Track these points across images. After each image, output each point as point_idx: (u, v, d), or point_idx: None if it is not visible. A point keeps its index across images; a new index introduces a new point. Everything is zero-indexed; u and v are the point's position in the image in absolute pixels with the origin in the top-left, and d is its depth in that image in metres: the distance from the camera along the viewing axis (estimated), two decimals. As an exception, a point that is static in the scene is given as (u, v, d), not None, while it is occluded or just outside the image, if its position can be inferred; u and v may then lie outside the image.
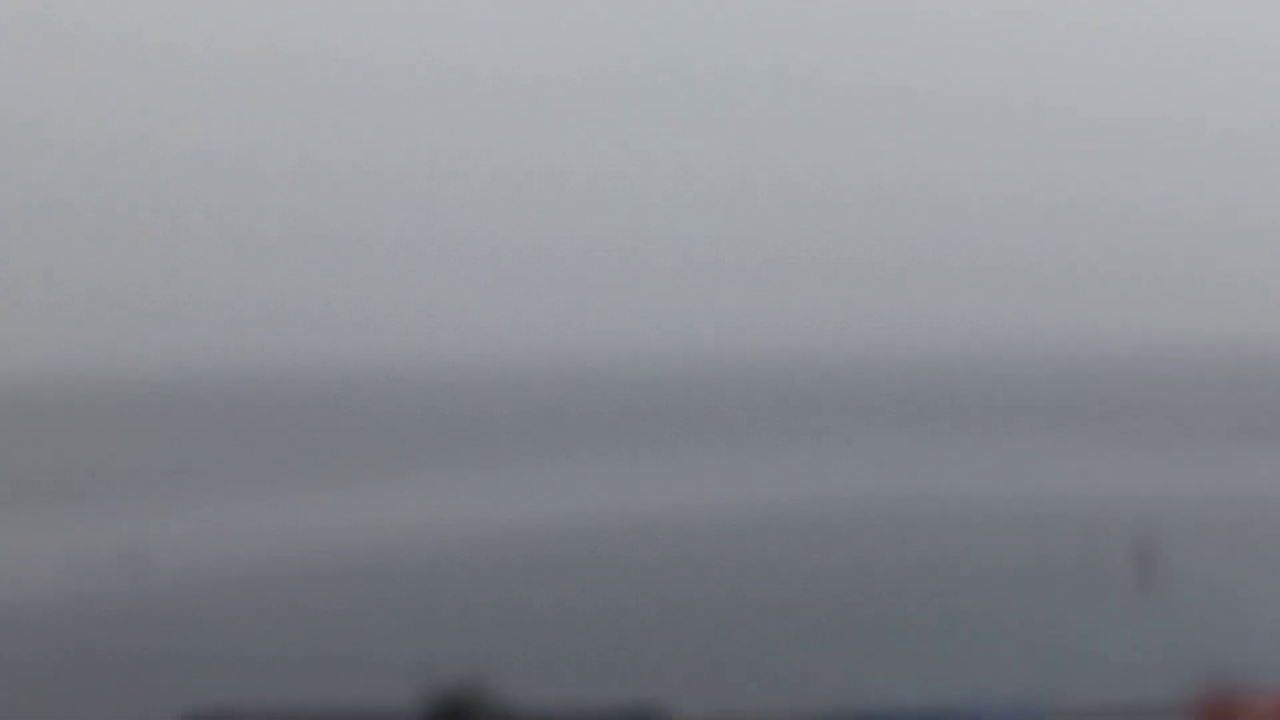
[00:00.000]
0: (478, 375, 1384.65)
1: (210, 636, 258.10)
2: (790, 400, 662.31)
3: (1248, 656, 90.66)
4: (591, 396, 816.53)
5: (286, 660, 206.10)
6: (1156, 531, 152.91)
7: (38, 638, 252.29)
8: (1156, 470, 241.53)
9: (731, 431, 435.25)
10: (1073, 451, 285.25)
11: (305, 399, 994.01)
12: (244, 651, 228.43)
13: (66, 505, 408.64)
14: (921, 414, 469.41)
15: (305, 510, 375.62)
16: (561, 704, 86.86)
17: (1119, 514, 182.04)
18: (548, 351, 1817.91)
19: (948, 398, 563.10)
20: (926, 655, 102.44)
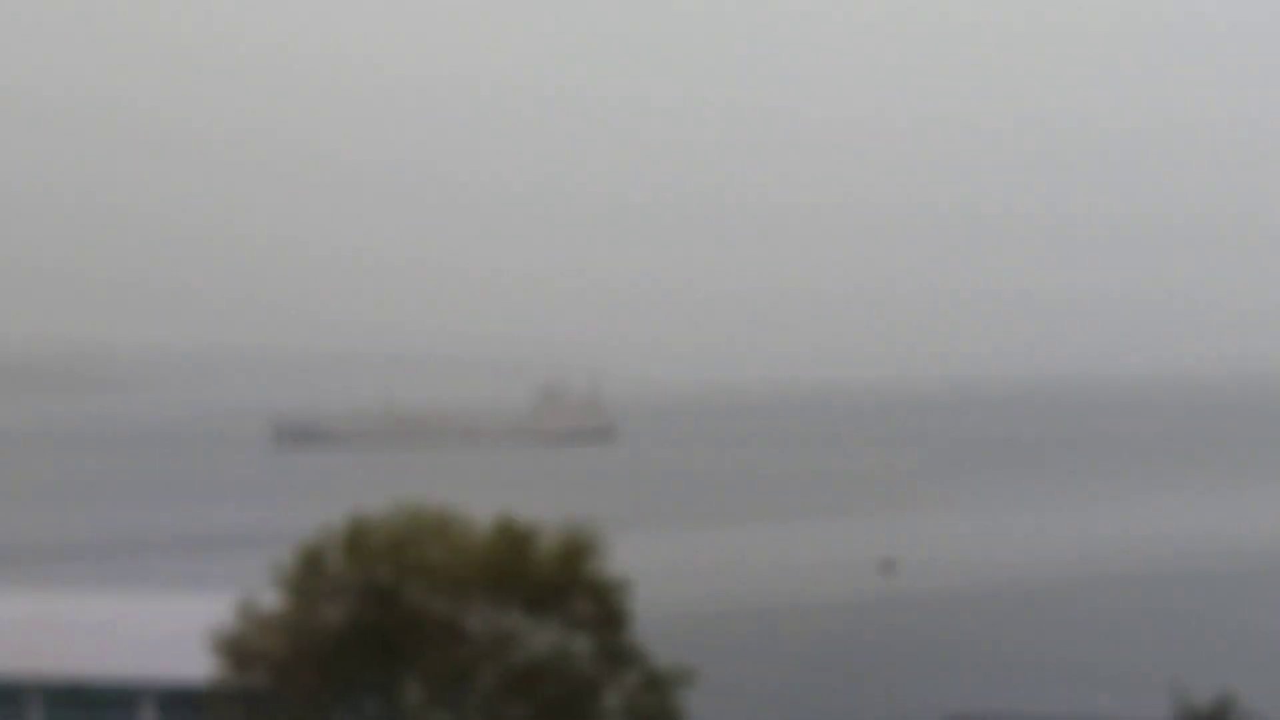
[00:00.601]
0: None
1: (958, 641, 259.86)
2: None
3: None
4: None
5: (1033, 667, 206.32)
6: None
7: (801, 637, 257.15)
8: None
9: None
10: None
11: (1050, 410, 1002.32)
12: (991, 657, 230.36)
13: (825, 510, 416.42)
14: None
15: (1048, 521, 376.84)
16: None
17: None
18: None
19: None
20: None
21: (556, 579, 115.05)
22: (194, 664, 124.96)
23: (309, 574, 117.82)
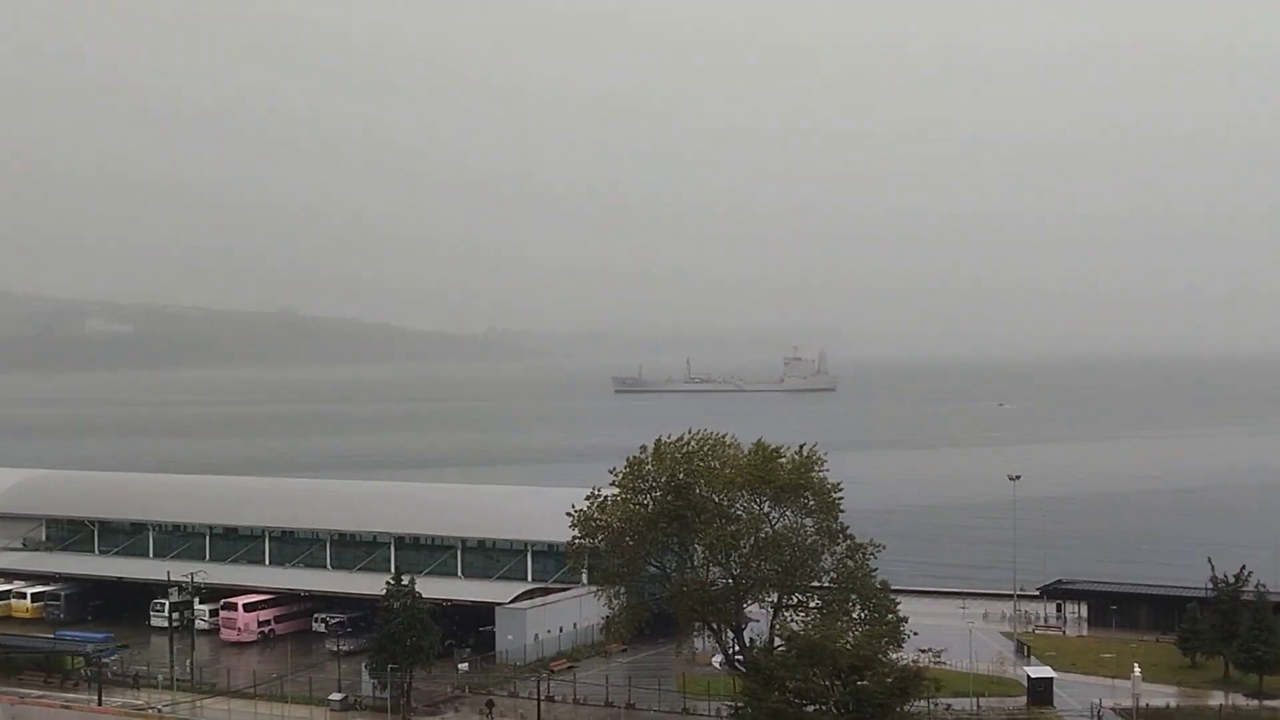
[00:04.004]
0: None
1: (1063, 530, 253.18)
2: None
3: None
4: None
5: (1115, 549, 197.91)
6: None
7: (954, 524, 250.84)
8: None
9: None
10: None
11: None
12: (1085, 541, 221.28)
13: (973, 442, 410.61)
14: None
15: (1132, 448, 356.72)
16: None
17: None
18: None
19: None
20: None
21: (793, 481, 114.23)
22: (559, 531, 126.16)
23: (633, 475, 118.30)
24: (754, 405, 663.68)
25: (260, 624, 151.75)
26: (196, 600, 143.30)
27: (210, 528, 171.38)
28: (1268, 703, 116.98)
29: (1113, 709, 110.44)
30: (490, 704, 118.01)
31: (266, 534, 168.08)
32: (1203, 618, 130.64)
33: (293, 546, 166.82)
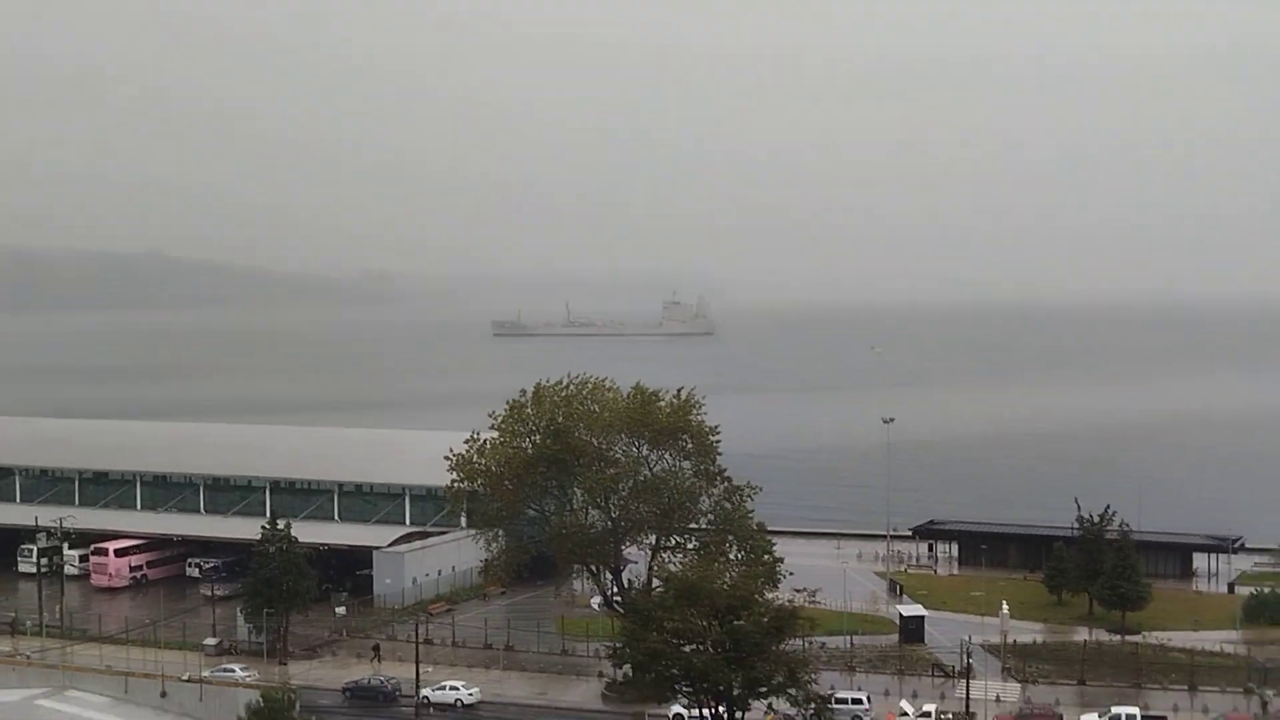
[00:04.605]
0: None
1: (935, 471, 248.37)
2: None
3: None
4: None
5: (988, 490, 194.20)
6: None
7: (830, 466, 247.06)
8: None
9: None
10: None
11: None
12: (959, 482, 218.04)
13: (849, 387, 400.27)
14: None
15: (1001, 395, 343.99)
16: None
17: None
18: None
19: None
20: None
21: (672, 424, 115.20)
22: (437, 475, 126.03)
23: (512, 419, 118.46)
24: (633, 349, 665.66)
25: (132, 569, 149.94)
26: (66, 545, 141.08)
27: (79, 472, 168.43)
28: (1129, 637, 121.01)
29: (981, 646, 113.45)
30: (377, 648, 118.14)
31: (138, 479, 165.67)
32: (1068, 557, 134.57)
33: (165, 491, 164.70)
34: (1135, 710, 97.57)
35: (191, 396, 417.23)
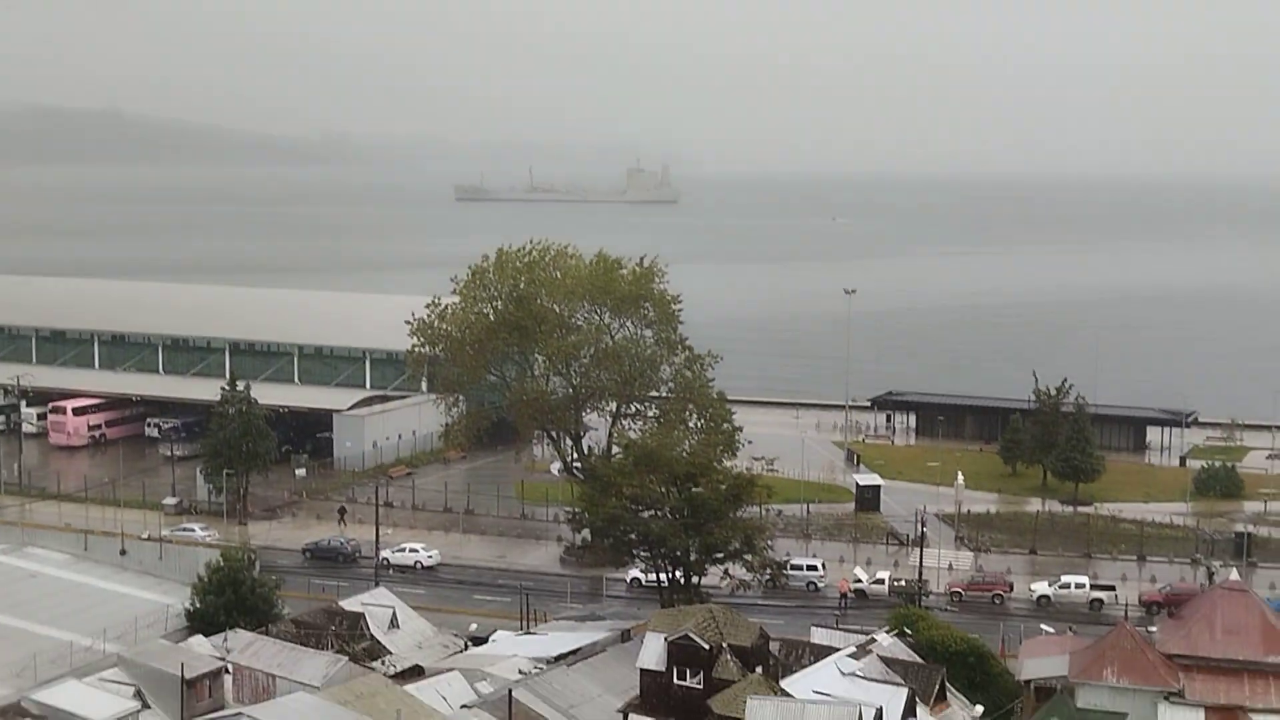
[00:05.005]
0: None
1: (896, 341, 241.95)
2: None
3: None
4: None
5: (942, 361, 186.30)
6: None
7: (791, 336, 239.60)
8: None
9: None
10: None
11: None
12: (917, 352, 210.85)
13: (812, 257, 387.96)
14: None
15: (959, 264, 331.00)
16: None
17: None
18: None
19: None
20: None
21: (634, 292, 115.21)
22: (398, 340, 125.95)
23: (474, 284, 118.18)
24: (596, 216, 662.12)
25: (91, 428, 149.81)
26: (23, 403, 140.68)
27: (36, 330, 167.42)
28: (1081, 508, 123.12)
29: (936, 515, 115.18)
30: (343, 511, 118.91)
31: (95, 338, 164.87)
32: (1024, 428, 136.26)
33: (123, 351, 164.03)
34: (1084, 579, 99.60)
35: (148, 255, 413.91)
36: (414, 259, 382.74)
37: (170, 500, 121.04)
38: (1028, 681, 72.02)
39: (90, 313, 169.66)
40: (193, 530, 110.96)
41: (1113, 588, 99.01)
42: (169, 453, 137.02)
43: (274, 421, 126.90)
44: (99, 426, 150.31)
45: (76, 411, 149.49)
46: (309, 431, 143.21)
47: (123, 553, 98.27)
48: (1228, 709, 63.48)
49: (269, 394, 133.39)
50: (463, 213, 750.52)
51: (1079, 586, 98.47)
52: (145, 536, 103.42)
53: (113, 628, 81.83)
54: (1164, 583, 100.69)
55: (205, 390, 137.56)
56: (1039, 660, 73.18)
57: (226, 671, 69.14)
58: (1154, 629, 73.79)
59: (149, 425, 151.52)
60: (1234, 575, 76.13)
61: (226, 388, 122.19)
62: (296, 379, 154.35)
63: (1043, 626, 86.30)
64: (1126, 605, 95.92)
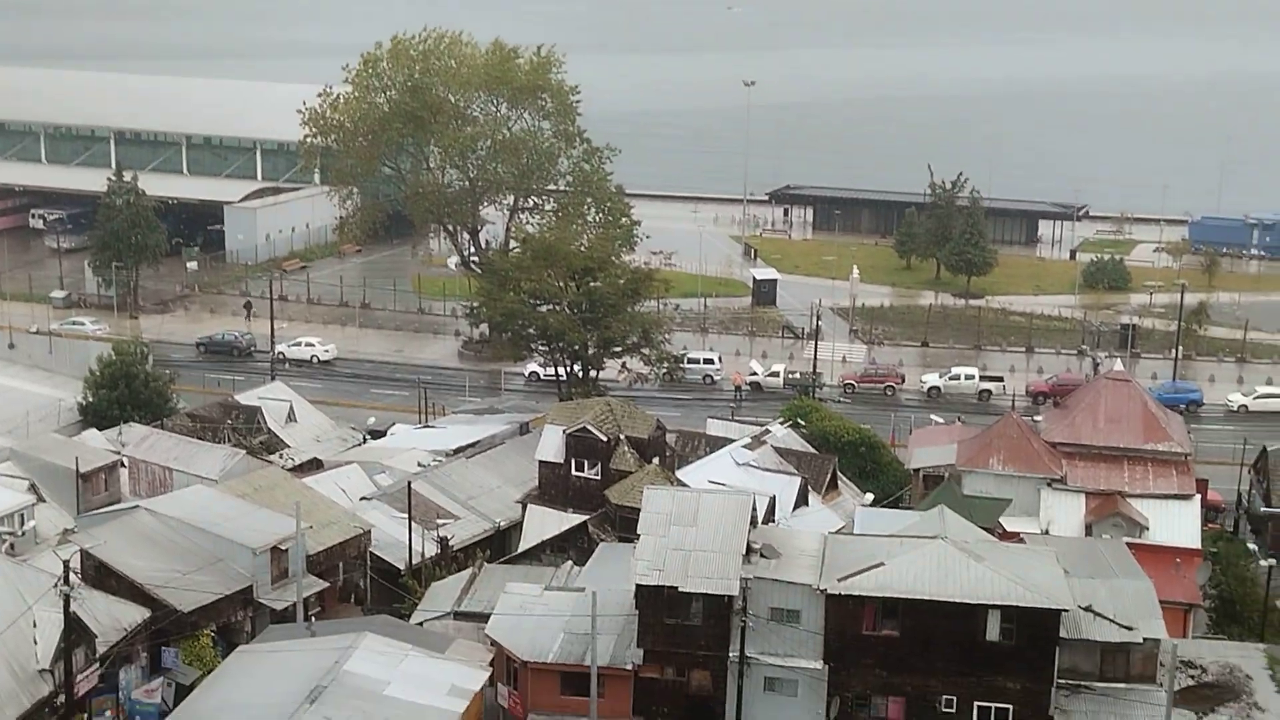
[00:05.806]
0: None
1: (797, 135, 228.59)
2: None
3: None
4: None
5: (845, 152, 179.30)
6: None
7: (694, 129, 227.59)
8: None
9: None
10: None
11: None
12: (813, 144, 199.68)
13: (711, 46, 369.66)
14: None
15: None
16: None
17: None
18: None
19: None
20: None
21: (531, 82, 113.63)
22: (289, 130, 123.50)
23: (368, 73, 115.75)
24: (492, 0, 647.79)
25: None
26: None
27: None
28: (972, 301, 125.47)
29: (831, 308, 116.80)
30: (249, 305, 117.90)
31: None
32: (919, 222, 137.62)
33: (3, 139, 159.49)
34: (974, 371, 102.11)
35: (20, 39, 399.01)
36: (303, 45, 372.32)
37: (58, 293, 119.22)
38: (917, 470, 74.16)
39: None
40: (83, 324, 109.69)
41: (1001, 379, 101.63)
42: (55, 245, 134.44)
43: (163, 213, 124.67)
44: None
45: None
46: (199, 224, 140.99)
47: (11, 346, 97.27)
48: (1106, 494, 65.91)
49: (157, 185, 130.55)
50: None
51: (968, 378, 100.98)
52: (34, 330, 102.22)
53: (3, 422, 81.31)
54: (1051, 374, 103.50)
55: (91, 181, 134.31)
56: (928, 449, 75.27)
57: (122, 465, 69.22)
58: (1040, 418, 76.06)
59: (33, 216, 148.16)
60: (1118, 366, 78.41)
61: (113, 178, 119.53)
62: (185, 170, 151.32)
63: (932, 417, 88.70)
64: (1014, 396, 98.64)
